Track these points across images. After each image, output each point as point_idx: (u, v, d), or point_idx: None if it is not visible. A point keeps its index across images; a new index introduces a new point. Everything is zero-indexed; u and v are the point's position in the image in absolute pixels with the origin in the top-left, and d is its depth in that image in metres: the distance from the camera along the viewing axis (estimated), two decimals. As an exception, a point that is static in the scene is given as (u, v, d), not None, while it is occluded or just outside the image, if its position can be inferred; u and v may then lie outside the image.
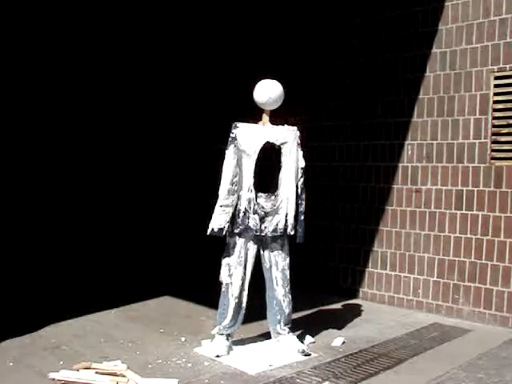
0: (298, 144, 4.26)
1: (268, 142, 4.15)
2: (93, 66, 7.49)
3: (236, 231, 4.12)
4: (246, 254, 4.17)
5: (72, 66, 7.33)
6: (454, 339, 4.70)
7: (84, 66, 7.41)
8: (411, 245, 5.73)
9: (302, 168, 4.27)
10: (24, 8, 6.87)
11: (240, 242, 4.16)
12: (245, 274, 4.17)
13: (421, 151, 5.68)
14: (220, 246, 4.26)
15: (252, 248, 4.20)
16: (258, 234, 4.15)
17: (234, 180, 4.08)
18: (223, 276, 4.17)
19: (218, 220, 4.06)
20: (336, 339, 4.50)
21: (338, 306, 5.80)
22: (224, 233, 4.10)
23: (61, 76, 7.28)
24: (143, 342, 4.35)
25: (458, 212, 5.38)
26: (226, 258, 4.18)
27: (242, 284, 4.17)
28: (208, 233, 4.07)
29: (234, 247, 4.16)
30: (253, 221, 4.11)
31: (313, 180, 6.01)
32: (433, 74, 5.60)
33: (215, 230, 4.06)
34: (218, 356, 4.04)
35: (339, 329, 4.85)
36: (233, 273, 4.15)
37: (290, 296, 4.31)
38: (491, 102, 5.20)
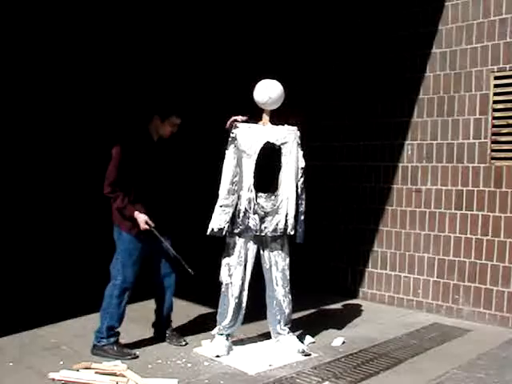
0: (298, 144, 4.25)
1: (268, 142, 4.14)
2: (92, 68, 7.48)
3: (236, 231, 4.12)
4: (246, 254, 4.17)
5: (72, 66, 7.33)
6: (454, 339, 4.70)
7: (83, 66, 7.41)
8: (411, 245, 5.73)
9: (302, 168, 4.27)
10: (22, 8, 6.87)
11: (240, 242, 4.16)
12: (245, 274, 4.17)
13: (421, 151, 5.68)
14: (220, 246, 4.26)
15: (252, 248, 4.20)
16: (258, 234, 4.15)
17: (234, 180, 4.07)
18: (223, 276, 4.17)
19: (218, 220, 4.06)
20: (336, 339, 4.50)
21: (338, 305, 5.80)
22: (224, 233, 4.10)
23: (65, 77, 7.29)
24: (143, 342, 4.35)
25: (458, 212, 5.38)
26: (226, 258, 4.18)
27: (242, 284, 4.17)
28: (208, 233, 4.06)
29: (233, 247, 4.16)
30: (253, 221, 4.10)
31: (313, 180, 6.00)
32: (433, 74, 5.60)
33: (215, 230, 4.05)
34: (217, 356, 4.05)
35: (339, 329, 4.85)
36: (233, 273, 4.15)
37: (290, 296, 4.31)
38: (491, 102, 5.20)
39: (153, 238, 4.08)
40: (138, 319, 4.68)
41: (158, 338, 4.41)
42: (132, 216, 3.99)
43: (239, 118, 4.11)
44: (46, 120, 7.23)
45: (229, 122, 4.10)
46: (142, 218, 3.99)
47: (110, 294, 4.07)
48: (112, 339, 4.04)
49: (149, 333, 4.55)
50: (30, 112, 7.11)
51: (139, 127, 4.17)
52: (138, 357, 4.00)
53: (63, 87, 7.35)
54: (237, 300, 4.15)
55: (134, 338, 4.41)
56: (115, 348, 4.02)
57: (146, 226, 4.00)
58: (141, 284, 5.82)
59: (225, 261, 4.18)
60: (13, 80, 6.93)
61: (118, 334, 4.11)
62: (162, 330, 4.42)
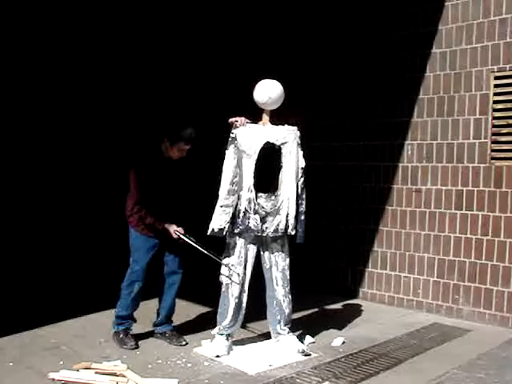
0: (299, 144, 4.25)
1: (268, 142, 4.14)
2: (92, 68, 7.48)
3: (236, 231, 4.12)
4: (246, 255, 4.17)
5: (73, 65, 7.34)
6: (454, 339, 4.70)
7: (83, 66, 7.41)
8: (411, 245, 5.73)
9: (302, 168, 4.26)
10: (23, 8, 6.87)
11: (240, 242, 4.16)
12: (245, 274, 4.17)
13: (421, 151, 5.68)
14: (220, 246, 4.26)
15: (252, 248, 4.20)
16: (259, 234, 4.15)
17: (234, 180, 4.07)
18: (223, 276, 4.17)
19: (219, 220, 4.06)
20: (336, 339, 4.50)
21: (338, 305, 5.80)
22: (224, 233, 4.10)
23: (71, 81, 7.32)
24: (143, 342, 4.35)
25: (458, 212, 5.38)
26: (226, 259, 4.18)
27: (242, 284, 4.17)
28: (208, 233, 4.07)
29: (234, 247, 4.16)
30: (253, 221, 4.10)
31: (313, 180, 6.00)
32: (433, 74, 5.59)
33: (215, 230, 4.05)
34: (217, 356, 4.04)
35: (339, 329, 4.85)
36: (233, 273, 4.14)
37: (290, 296, 4.31)
38: (491, 102, 5.20)
39: (168, 239, 4.27)
40: (139, 319, 4.67)
41: (159, 337, 4.44)
42: (164, 228, 4.22)
43: (242, 120, 4.11)
44: (51, 121, 7.26)
45: (233, 120, 4.11)
46: (171, 229, 4.22)
47: (122, 286, 4.34)
48: (120, 327, 4.32)
49: (149, 333, 4.56)
50: (35, 113, 7.15)
51: (151, 145, 4.38)
52: (137, 347, 4.21)
53: (68, 90, 7.38)
54: (237, 300, 4.15)
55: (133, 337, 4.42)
56: (120, 336, 4.28)
57: (176, 236, 4.22)
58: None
59: (225, 261, 4.18)
60: (26, 88, 7.07)
61: (127, 323, 4.34)
62: (161, 328, 4.46)
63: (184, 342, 4.31)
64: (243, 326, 4.47)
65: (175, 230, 4.21)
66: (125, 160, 4.41)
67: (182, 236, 4.23)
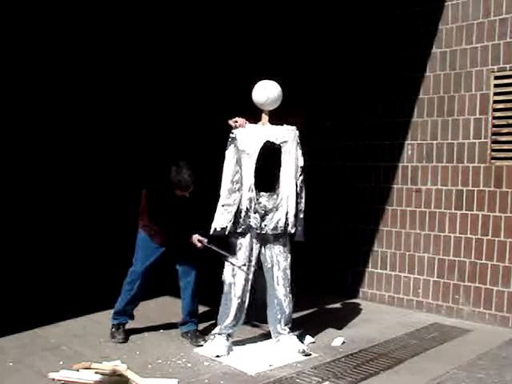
0: (298, 143, 4.26)
1: (268, 142, 4.15)
2: (92, 69, 7.48)
3: (239, 231, 4.13)
4: (250, 255, 4.18)
5: (70, 66, 7.33)
6: (454, 339, 4.70)
7: (83, 66, 7.41)
8: (411, 245, 5.73)
9: (301, 166, 4.28)
10: (24, 8, 6.87)
11: (243, 241, 4.16)
12: (248, 273, 4.18)
13: (421, 151, 5.68)
14: (220, 246, 4.27)
15: (255, 248, 4.20)
16: (258, 231, 4.15)
17: (235, 179, 4.08)
18: (226, 276, 4.17)
19: (221, 219, 4.07)
20: (336, 339, 4.50)
21: (337, 305, 5.80)
22: (227, 232, 4.10)
23: (60, 77, 7.30)
24: (143, 342, 4.36)
25: (458, 212, 5.38)
26: (234, 259, 4.18)
27: (245, 284, 4.17)
28: (211, 232, 4.08)
29: (239, 248, 4.16)
30: (254, 220, 4.11)
31: (312, 180, 6.00)
32: (433, 74, 5.60)
33: (218, 229, 4.07)
34: (218, 356, 4.04)
35: (339, 329, 4.85)
36: (236, 273, 4.15)
37: (290, 296, 4.31)
38: (491, 102, 5.21)
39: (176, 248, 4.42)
40: (139, 319, 4.69)
41: (184, 336, 4.48)
42: (189, 242, 4.34)
43: (241, 122, 4.12)
44: (51, 121, 7.26)
45: (233, 121, 4.13)
46: (195, 240, 4.34)
47: (123, 283, 4.47)
48: (116, 321, 4.45)
49: (149, 332, 4.56)
50: (39, 116, 7.17)
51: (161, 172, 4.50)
52: (125, 341, 4.32)
53: (68, 91, 7.38)
54: (240, 300, 4.16)
55: (134, 337, 4.43)
56: (112, 329, 4.42)
57: (200, 244, 4.33)
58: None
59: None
60: (36, 92, 7.10)
61: (122, 318, 4.45)
62: (185, 328, 4.51)
63: (202, 343, 4.31)
64: (243, 326, 4.47)
65: (199, 240, 4.31)
66: (135, 175, 4.43)
67: (206, 244, 4.30)
